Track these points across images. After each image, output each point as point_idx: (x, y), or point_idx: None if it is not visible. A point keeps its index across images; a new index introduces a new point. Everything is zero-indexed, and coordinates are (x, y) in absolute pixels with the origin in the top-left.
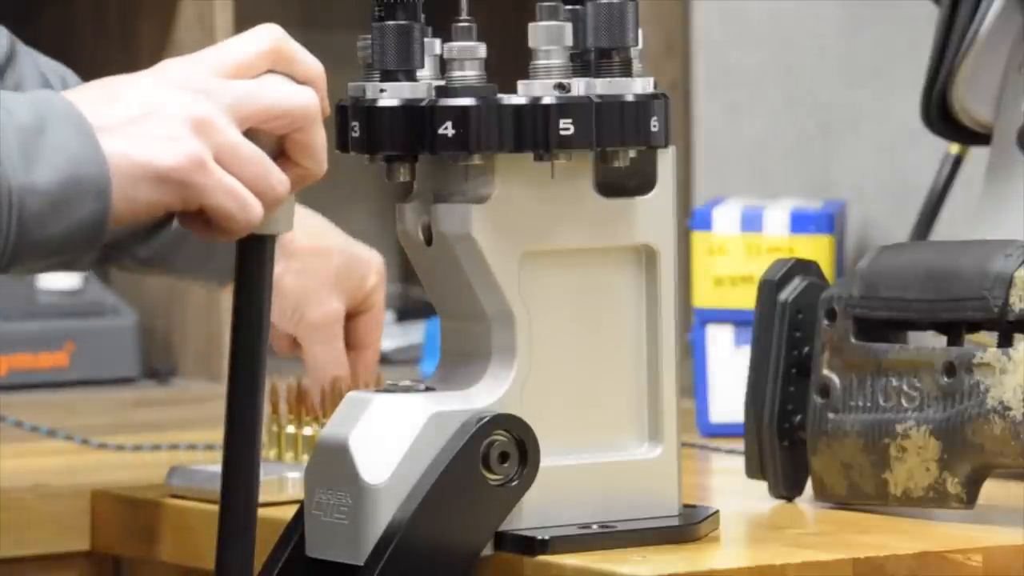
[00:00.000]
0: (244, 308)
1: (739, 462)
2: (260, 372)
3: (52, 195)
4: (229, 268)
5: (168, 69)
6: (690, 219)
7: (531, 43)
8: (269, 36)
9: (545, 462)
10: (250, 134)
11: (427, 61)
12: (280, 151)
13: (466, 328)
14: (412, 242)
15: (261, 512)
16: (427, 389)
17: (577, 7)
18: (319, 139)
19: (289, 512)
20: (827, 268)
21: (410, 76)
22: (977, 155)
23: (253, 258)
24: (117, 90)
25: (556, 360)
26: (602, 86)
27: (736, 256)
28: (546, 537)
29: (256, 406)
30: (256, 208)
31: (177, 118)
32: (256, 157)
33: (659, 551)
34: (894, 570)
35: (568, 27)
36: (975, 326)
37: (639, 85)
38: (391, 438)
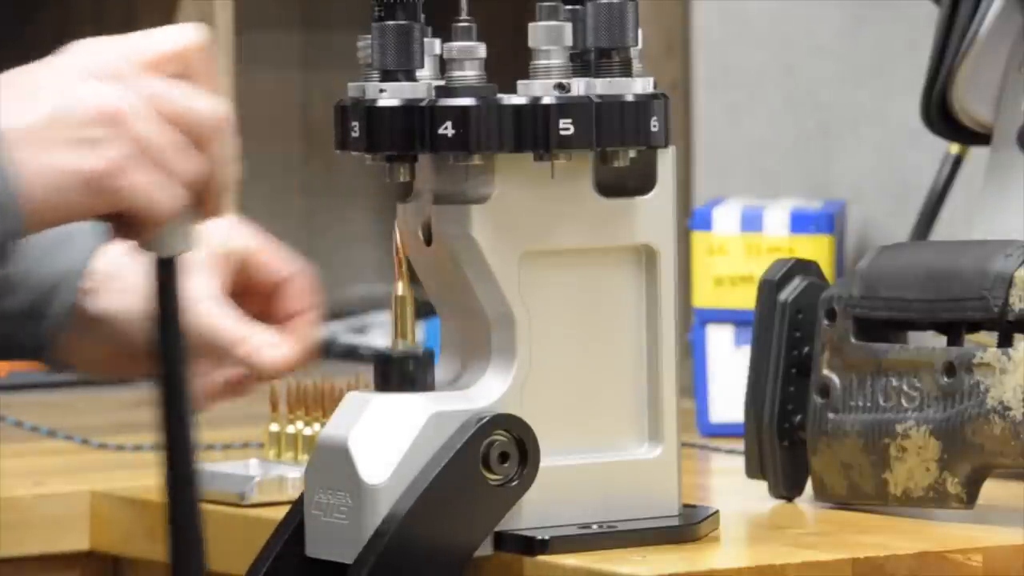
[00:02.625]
0: (162, 333)
1: (739, 462)
2: (185, 391)
3: None
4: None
5: (81, 54)
6: (690, 219)
7: (531, 43)
8: (194, 36)
9: (545, 462)
10: None
11: (427, 61)
12: None
13: (466, 328)
14: (412, 242)
15: (261, 512)
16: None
17: (577, 7)
18: (226, 151)
19: None
20: (827, 268)
21: (410, 76)
22: (977, 155)
23: (162, 282)
24: (28, 85)
25: (556, 360)
26: (602, 86)
27: (736, 256)
28: (546, 537)
29: (186, 424)
30: (178, 193)
31: (93, 114)
32: (173, 143)
33: (659, 551)
34: (894, 570)
35: (568, 27)
36: (975, 326)
37: (639, 85)
38: (391, 438)
